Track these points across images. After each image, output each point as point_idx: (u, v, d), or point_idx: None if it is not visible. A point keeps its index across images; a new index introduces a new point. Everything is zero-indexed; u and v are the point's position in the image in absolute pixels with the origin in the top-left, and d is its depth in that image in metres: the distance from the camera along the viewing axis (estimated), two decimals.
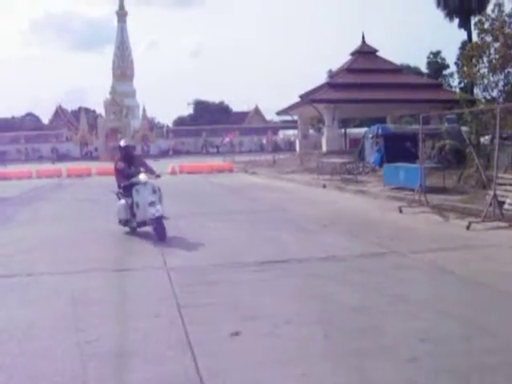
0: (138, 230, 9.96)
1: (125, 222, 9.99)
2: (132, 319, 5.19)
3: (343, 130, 48.04)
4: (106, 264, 7.60)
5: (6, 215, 13.73)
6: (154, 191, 9.35)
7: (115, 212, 10.14)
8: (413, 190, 13.34)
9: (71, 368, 4.08)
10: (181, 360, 4.14)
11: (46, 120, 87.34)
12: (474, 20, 23.27)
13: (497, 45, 16.31)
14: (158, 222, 9.02)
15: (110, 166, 40.08)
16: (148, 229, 9.65)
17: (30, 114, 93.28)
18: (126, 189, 9.74)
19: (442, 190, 14.64)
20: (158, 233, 9.04)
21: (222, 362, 4.14)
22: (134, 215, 9.59)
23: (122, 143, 10.52)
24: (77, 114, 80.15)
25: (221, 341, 4.53)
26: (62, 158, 59.81)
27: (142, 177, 9.51)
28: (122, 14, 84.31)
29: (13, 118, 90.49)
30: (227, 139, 67.01)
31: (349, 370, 3.94)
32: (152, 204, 9.05)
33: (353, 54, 41.82)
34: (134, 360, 4.22)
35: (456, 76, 57.26)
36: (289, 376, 3.87)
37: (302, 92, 42.67)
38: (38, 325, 5.09)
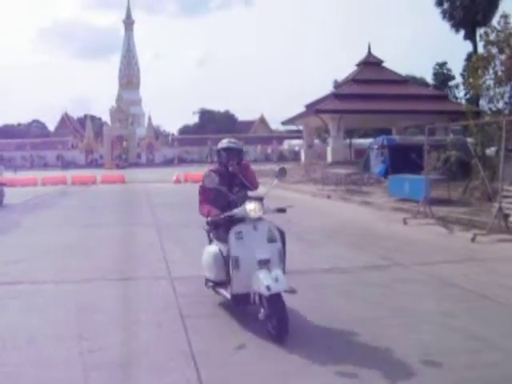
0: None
1: (216, 285, 5.58)
2: (135, 329, 5.19)
3: (348, 141, 48.08)
4: (109, 273, 7.60)
5: (12, 222, 13.74)
6: (272, 239, 5.15)
7: (202, 263, 5.91)
8: (418, 201, 13.31)
9: (73, 377, 4.08)
10: (183, 371, 4.13)
11: (51, 127, 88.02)
12: (479, 32, 23.35)
13: (502, 56, 16.33)
14: (275, 304, 4.74)
15: (114, 173, 40.17)
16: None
17: (36, 121, 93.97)
18: (218, 226, 5.58)
19: (447, 202, 14.60)
20: (274, 324, 4.74)
21: (224, 373, 4.13)
22: (229, 277, 5.17)
23: (225, 143, 5.87)
24: (83, 121, 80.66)
25: (224, 352, 4.53)
26: (67, 165, 60.05)
27: (251, 208, 5.14)
28: (128, 23, 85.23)
29: (19, 124, 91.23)
30: None
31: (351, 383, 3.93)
32: (265, 265, 4.94)
33: (359, 64, 41.93)
34: (136, 370, 4.22)
35: (462, 87, 57.36)
36: None
37: (308, 102, 42.78)
38: (40, 333, 5.09)
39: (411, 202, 14.39)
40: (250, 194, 5.68)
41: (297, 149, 63.71)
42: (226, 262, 5.21)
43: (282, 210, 5.51)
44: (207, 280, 5.82)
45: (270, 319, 4.77)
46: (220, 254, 5.37)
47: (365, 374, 4.04)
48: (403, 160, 20.20)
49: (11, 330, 5.21)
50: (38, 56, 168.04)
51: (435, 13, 39.15)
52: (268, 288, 4.68)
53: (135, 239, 10.81)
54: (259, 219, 5.16)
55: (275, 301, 4.74)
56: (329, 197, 19.24)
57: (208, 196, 5.66)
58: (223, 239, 5.35)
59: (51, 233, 11.87)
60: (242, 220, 5.18)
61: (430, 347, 4.54)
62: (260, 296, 4.85)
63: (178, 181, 31.29)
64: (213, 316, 5.51)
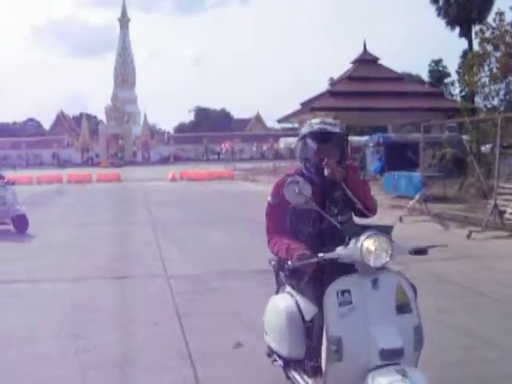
0: None
1: (288, 366, 3.16)
2: (132, 327, 5.18)
3: None
4: (106, 271, 7.59)
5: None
6: (405, 308, 2.78)
7: (265, 324, 3.42)
8: (413, 198, 13.34)
9: (70, 376, 4.07)
10: (180, 369, 4.13)
11: (47, 126, 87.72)
12: (474, 29, 23.37)
13: (498, 54, 16.37)
14: None
15: (110, 172, 40.06)
16: None
17: (31, 120, 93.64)
18: (300, 276, 2.88)
19: (443, 199, 14.65)
20: None
21: (221, 371, 4.13)
22: (311, 355, 2.87)
23: (316, 125, 3.17)
24: (78, 119, 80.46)
25: (221, 350, 4.52)
26: (64, 163, 59.87)
27: (371, 248, 2.66)
28: (124, 21, 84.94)
29: (14, 123, 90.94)
30: (223, 146, 67.10)
31: None
32: (392, 359, 2.57)
33: (354, 62, 41.88)
34: (133, 369, 4.21)
35: (457, 84, 57.33)
36: None
37: (303, 99, 42.74)
38: (37, 331, 5.08)
39: (407, 199, 14.42)
40: (361, 221, 3.18)
41: (293, 146, 63.49)
42: (310, 330, 2.92)
43: (422, 252, 3.14)
44: (271, 351, 3.35)
45: None
46: (299, 316, 3.02)
47: None
48: (399, 157, 20.26)
49: (8, 328, 5.20)
50: (32, 54, 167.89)
51: (430, 10, 39.09)
52: None
53: (131, 237, 10.80)
54: (382, 269, 2.79)
55: None
56: None
57: (281, 220, 3.18)
58: (308, 293, 3.03)
59: (47, 231, 11.81)
60: (348, 267, 2.73)
61: (426, 344, 4.53)
62: None
63: (173, 179, 31.29)
64: (209, 314, 5.51)
